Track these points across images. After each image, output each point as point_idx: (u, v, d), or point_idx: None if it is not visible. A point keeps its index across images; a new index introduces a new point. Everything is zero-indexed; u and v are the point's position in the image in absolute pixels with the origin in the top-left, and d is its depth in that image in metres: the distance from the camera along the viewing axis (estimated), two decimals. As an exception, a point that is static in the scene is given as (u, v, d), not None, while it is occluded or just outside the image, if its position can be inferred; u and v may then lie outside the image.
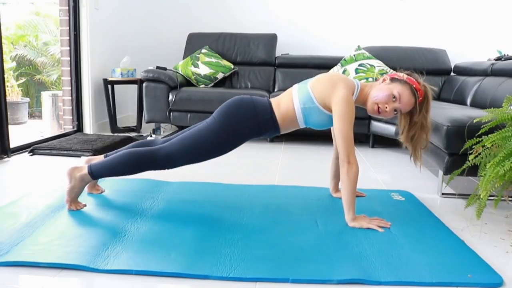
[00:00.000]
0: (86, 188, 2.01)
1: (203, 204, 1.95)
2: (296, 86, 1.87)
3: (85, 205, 1.87)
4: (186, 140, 1.78)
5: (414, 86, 1.74)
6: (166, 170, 1.82)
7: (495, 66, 3.22)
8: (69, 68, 3.64)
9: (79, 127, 3.74)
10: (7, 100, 2.88)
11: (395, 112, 1.77)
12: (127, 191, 2.09)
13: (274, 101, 1.86)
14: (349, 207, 1.72)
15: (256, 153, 3.16)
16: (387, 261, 1.43)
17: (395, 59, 3.93)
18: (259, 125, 1.81)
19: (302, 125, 1.85)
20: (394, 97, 1.73)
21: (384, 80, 1.80)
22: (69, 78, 3.65)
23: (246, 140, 1.85)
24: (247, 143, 3.48)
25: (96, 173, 1.81)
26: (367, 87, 1.83)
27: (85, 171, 1.81)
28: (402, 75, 1.79)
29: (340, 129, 1.69)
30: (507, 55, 3.40)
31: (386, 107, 1.75)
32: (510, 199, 2.00)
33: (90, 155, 2.85)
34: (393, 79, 1.78)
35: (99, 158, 1.93)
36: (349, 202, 1.72)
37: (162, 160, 1.77)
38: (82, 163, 1.91)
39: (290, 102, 1.81)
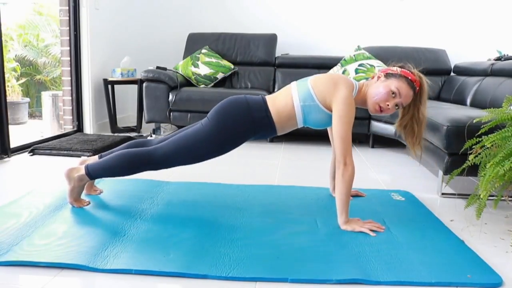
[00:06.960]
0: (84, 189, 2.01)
1: (203, 204, 1.95)
2: (294, 83, 1.83)
3: (89, 203, 1.89)
4: (181, 142, 1.76)
5: (410, 78, 1.73)
6: (165, 170, 1.82)
7: (495, 66, 3.21)
8: (69, 68, 3.64)
9: (79, 127, 3.74)
10: (8, 100, 2.88)
11: (397, 107, 1.75)
12: (126, 191, 2.09)
13: (269, 98, 1.82)
14: (342, 209, 1.69)
15: (256, 153, 3.17)
16: (386, 261, 1.43)
17: (395, 59, 3.89)
18: (254, 124, 1.77)
19: (300, 124, 1.81)
20: (393, 93, 1.71)
21: (378, 77, 1.77)
22: (69, 78, 3.66)
23: (242, 142, 1.80)
24: (247, 143, 3.49)
25: (93, 174, 1.82)
26: (364, 86, 1.80)
27: (83, 171, 1.82)
28: (396, 69, 1.76)
29: (339, 129, 1.67)
30: (507, 55, 3.40)
31: (388, 105, 1.72)
32: (510, 199, 2.00)
33: (89, 155, 2.86)
34: (387, 75, 1.75)
35: (94, 159, 1.94)
36: (343, 204, 1.68)
37: (158, 161, 1.76)
38: (77, 164, 1.91)
39: (289, 99, 1.77)
